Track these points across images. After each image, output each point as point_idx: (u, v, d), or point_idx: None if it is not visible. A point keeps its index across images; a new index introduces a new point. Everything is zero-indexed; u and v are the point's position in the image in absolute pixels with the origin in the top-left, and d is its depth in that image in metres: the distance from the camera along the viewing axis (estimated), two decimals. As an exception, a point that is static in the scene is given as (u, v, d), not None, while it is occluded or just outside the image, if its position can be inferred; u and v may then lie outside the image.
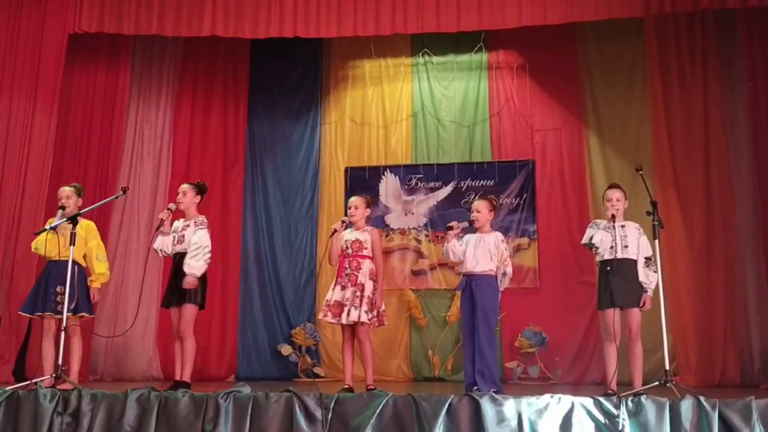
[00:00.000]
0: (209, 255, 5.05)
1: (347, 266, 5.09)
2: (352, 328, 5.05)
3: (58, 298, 4.84)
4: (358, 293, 5.00)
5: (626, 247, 4.75)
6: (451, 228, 4.98)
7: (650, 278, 4.74)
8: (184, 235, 5.12)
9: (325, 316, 5.08)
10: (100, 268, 5.11)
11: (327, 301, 5.12)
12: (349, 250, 5.13)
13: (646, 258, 4.76)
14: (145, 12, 6.40)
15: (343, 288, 5.04)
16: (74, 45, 6.57)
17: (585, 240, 4.90)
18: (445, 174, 7.64)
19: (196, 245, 5.00)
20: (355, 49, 7.95)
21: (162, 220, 5.13)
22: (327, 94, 8.10)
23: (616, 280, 4.71)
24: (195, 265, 4.95)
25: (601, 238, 4.77)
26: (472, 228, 5.09)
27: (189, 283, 4.95)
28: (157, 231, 5.19)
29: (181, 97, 7.65)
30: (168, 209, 5.17)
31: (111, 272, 6.98)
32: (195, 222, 5.14)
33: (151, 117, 7.57)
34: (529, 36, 7.12)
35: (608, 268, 4.74)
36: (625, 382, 4.91)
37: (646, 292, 4.75)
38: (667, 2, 6.01)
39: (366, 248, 5.14)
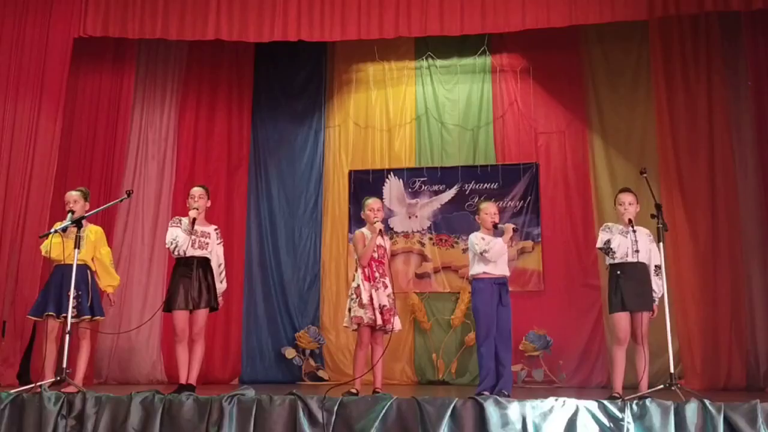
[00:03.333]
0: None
1: (375, 270, 5.06)
2: (372, 334, 5.03)
3: (74, 303, 4.74)
4: (394, 301, 5.06)
5: (637, 251, 4.74)
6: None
7: (659, 287, 4.74)
8: (207, 243, 5.17)
9: (371, 320, 4.89)
10: (114, 274, 5.29)
11: (366, 304, 4.93)
12: (376, 255, 5.08)
13: (656, 266, 4.76)
14: (150, 16, 6.41)
15: (376, 291, 5.01)
16: (79, 49, 6.59)
17: (600, 244, 4.87)
18: (449, 177, 7.63)
19: (221, 266, 5.29)
20: (359, 53, 7.96)
21: (194, 219, 5.10)
22: (331, 98, 8.10)
23: (628, 284, 4.70)
24: (222, 288, 5.33)
25: (619, 242, 4.77)
26: (477, 228, 5.16)
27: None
28: (192, 230, 5.08)
29: (185, 101, 7.67)
30: (196, 208, 5.16)
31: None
32: (216, 232, 5.29)
33: (155, 120, 7.59)
34: (533, 39, 7.10)
35: (619, 272, 4.74)
36: (630, 385, 4.89)
37: (654, 301, 4.74)
38: (671, 5, 5.99)
39: (386, 255, 5.16)
